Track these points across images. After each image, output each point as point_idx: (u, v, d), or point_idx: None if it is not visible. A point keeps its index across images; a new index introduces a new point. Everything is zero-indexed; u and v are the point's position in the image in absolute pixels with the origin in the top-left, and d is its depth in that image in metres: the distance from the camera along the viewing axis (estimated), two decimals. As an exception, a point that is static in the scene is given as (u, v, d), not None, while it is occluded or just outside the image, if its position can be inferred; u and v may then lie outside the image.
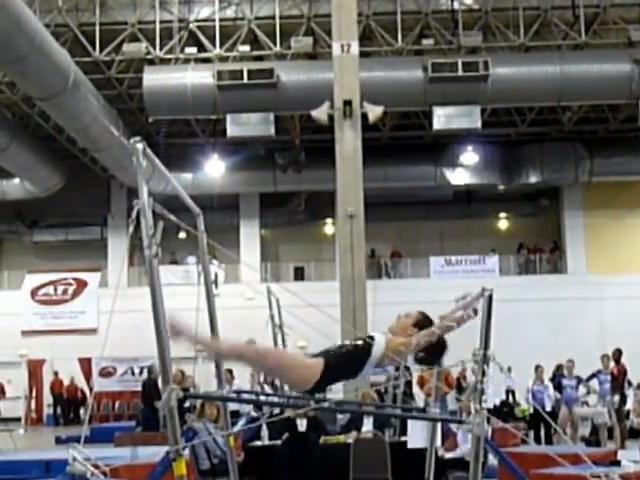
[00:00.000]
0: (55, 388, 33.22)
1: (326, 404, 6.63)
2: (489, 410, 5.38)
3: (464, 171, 32.91)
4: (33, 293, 34.99)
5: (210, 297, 7.13)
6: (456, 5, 26.14)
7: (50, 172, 31.85)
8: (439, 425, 9.63)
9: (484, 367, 5.31)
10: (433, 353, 5.59)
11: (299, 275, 35.54)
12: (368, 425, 12.10)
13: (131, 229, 5.34)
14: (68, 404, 33.04)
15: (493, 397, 23.43)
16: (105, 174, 33.23)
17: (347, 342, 5.49)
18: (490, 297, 5.36)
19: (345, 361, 5.31)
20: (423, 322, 5.59)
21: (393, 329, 5.55)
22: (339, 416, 15.16)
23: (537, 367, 20.34)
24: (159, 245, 5.36)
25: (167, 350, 5.23)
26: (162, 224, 5.48)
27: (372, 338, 5.40)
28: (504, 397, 25.99)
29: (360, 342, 5.40)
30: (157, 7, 26.16)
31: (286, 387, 11.67)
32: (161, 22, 26.16)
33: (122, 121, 28.34)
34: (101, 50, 26.19)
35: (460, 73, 24.94)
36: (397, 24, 26.12)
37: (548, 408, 19.44)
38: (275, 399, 10.26)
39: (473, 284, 6.17)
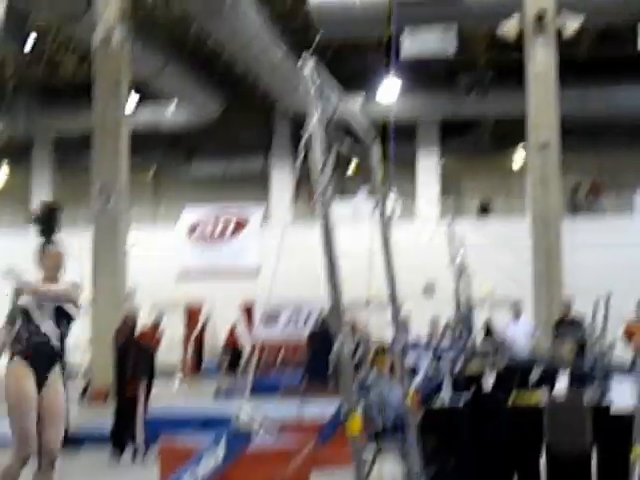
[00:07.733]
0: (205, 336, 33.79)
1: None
2: None
3: (678, 91, 31.67)
4: (190, 230, 35.67)
5: (386, 236, 7.05)
6: None
7: (208, 98, 32.47)
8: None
9: None
10: None
11: (484, 211, 35.10)
12: (564, 381, 11.86)
13: (299, 161, 5.32)
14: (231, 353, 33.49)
15: None
16: (267, 100, 33.47)
17: None
18: None
19: None
20: None
21: None
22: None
23: None
24: (331, 177, 5.33)
25: (340, 294, 5.17)
26: (334, 153, 5.44)
27: None
28: None
29: None
30: None
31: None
32: None
33: (286, 41, 28.42)
34: (263, -39, 26.28)
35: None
36: None
37: None
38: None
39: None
